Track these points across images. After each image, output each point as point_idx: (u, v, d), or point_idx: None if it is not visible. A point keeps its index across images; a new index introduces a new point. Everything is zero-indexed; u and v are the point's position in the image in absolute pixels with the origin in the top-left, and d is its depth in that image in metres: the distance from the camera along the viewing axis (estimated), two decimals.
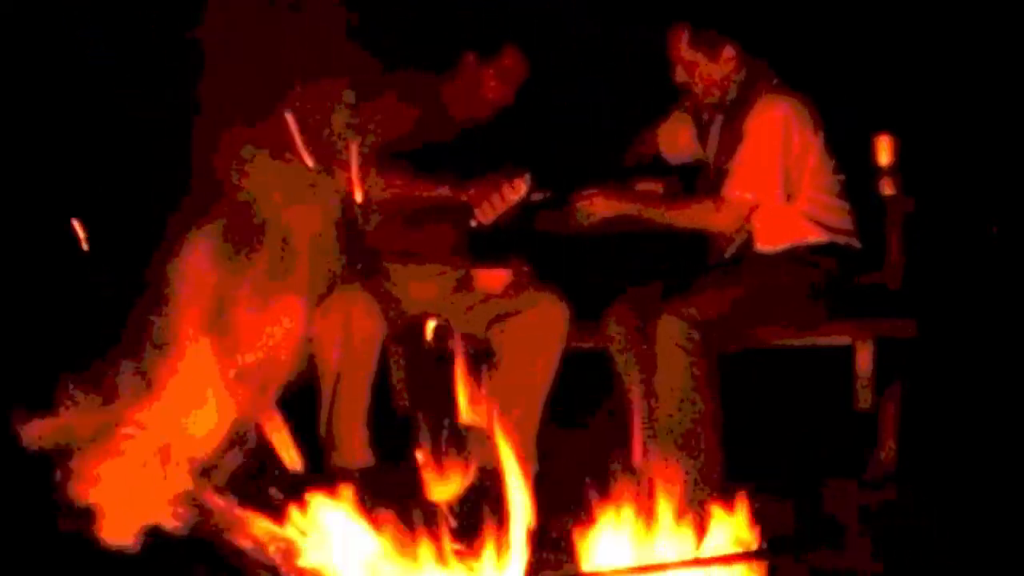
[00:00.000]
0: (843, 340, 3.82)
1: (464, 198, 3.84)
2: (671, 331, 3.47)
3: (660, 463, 2.73)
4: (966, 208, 4.85)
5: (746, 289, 3.60)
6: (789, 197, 3.66)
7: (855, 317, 3.76)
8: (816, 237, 3.71)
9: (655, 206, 3.79)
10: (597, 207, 3.74)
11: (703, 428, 3.43)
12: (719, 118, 3.79)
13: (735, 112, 3.68)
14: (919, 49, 4.82)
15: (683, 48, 3.67)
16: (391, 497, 3.53)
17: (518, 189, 3.86)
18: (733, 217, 3.68)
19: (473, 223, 3.86)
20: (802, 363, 3.92)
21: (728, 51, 3.67)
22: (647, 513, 2.38)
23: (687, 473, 2.46)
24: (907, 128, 4.08)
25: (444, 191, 3.85)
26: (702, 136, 3.90)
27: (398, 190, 3.84)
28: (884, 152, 4.02)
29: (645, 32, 3.81)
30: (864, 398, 3.86)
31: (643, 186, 4.03)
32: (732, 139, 3.68)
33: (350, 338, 3.70)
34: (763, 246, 3.69)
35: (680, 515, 2.39)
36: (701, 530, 2.42)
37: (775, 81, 3.70)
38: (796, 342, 3.78)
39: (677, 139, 4.03)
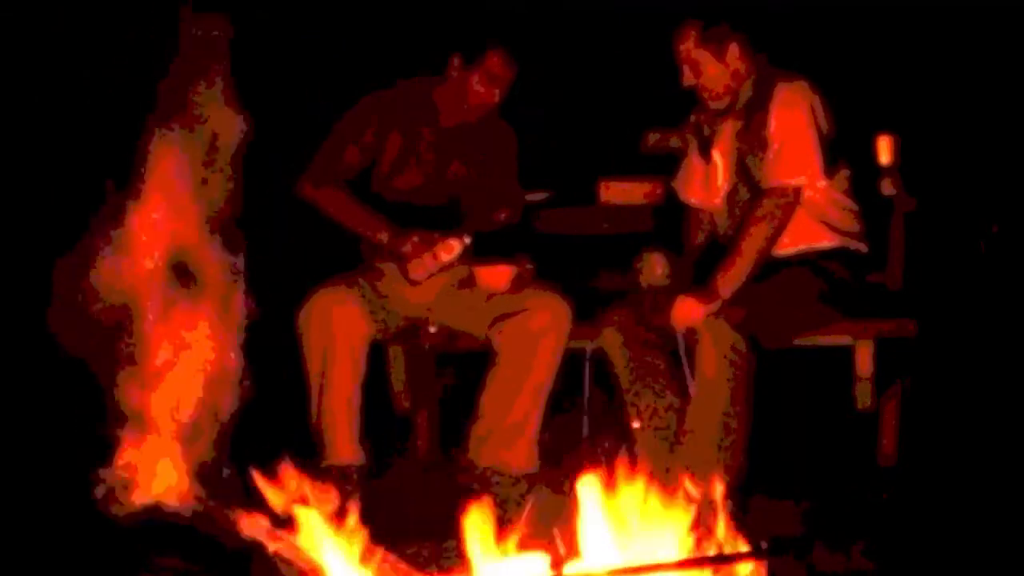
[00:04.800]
0: (843, 340, 3.82)
1: (402, 250, 3.83)
2: (719, 335, 3.43)
3: (684, 469, 2.69)
4: (966, 208, 4.85)
5: (763, 292, 3.57)
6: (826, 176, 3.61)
7: (855, 317, 3.75)
8: (827, 242, 3.69)
9: (737, 268, 3.55)
10: (695, 314, 3.52)
11: (738, 434, 3.42)
12: (729, 124, 3.69)
13: (754, 109, 3.63)
14: (919, 49, 4.82)
15: (691, 47, 3.59)
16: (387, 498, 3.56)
17: (451, 250, 3.81)
18: (788, 205, 3.59)
19: (408, 279, 3.83)
20: (802, 363, 3.92)
21: (733, 49, 3.60)
22: (651, 512, 2.38)
23: (716, 478, 2.44)
24: (907, 128, 4.08)
25: (383, 237, 3.86)
26: (705, 152, 3.81)
27: (339, 220, 3.89)
28: (885, 152, 4.01)
29: (644, 31, 3.79)
30: (864, 398, 3.85)
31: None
32: (755, 134, 3.63)
33: (332, 338, 3.69)
34: (775, 249, 3.66)
35: (693, 516, 2.38)
36: (709, 533, 2.41)
37: (783, 72, 3.65)
38: (796, 342, 3.78)
39: (691, 181, 3.95)
